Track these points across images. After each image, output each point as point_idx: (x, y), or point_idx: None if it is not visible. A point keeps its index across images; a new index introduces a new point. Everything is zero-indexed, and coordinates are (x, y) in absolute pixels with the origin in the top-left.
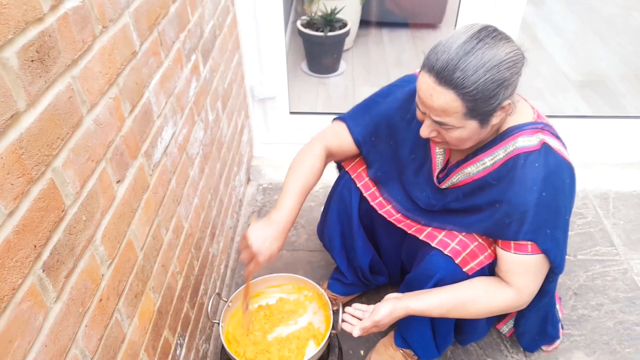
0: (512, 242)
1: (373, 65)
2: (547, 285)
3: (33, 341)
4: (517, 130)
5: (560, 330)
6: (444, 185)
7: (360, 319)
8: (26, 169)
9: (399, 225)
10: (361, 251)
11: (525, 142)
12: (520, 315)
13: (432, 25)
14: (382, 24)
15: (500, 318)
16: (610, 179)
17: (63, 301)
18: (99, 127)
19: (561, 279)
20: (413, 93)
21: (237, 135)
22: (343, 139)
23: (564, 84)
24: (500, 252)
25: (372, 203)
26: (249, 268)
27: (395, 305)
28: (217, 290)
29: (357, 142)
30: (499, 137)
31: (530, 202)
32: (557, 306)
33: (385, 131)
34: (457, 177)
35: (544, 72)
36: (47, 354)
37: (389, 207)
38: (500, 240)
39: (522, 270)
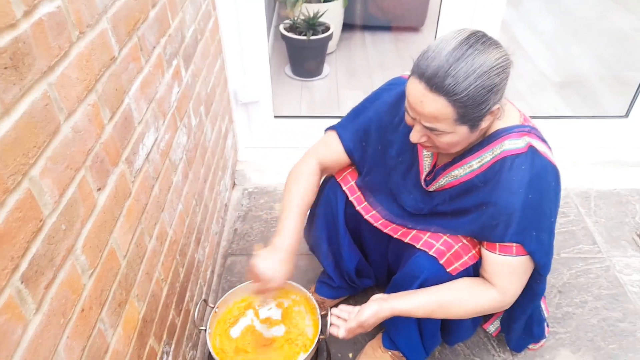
0: (497, 244)
1: (356, 69)
2: (535, 287)
3: (11, 355)
4: (504, 133)
5: (546, 328)
6: (431, 188)
7: (346, 320)
8: (1, 178)
9: (385, 230)
10: (347, 255)
11: (512, 144)
12: (508, 318)
13: (414, 28)
14: (364, 27)
15: (487, 318)
16: (591, 177)
17: (43, 313)
18: (77, 134)
19: None
20: (401, 96)
21: (222, 139)
22: (334, 149)
23: (543, 84)
24: (485, 253)
25: (357, 207)
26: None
27: (381, 305)
28: (203, 297)
29: (348, 149)
30: (486, 140)
31: (517, 205)
32: (543, 306)
33: (375, 135)
34: (445, 180)
35: (523, 73)
36: None
37: (374, 212)
38: (485, 242)
39: (506, 272)
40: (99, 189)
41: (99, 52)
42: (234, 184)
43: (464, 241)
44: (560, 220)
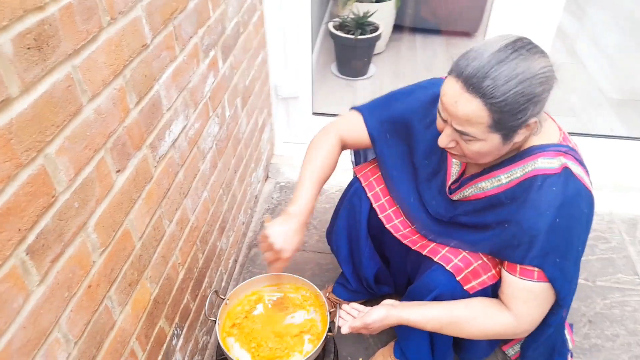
0: (518, 266)
1: (403, 71)
2: (549, 317)
3: (10, 322)
4: (538, 151)
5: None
6: (455, 197)
7: (355, 318)
8: (15, 153)
9: (404, 242)
10: (367, 262)
11: (546, 163)
12: (525, 345)
13: (467, 33)
14: (416, 30)
15: (507, 340)
16: None
17: (47, 285)
18: (99, 116)
19: (576, 304)
20: (436, 97)
21: (257, 132)
22: (358, 130)
23: (599, 101)
24: (505, 274)
25: (380, 215)
26: (276, 266)
27: (389, 312)
28: (222, 284)
29: (372, 136)
30: (519, 155)
31: (542, 227)
32: (568, 336)
33: (402, 130)
34: (470, 191)
35: (578, 87)
36: (25, 335)
37: (396, 221)
38: (506, 262)
39: (524, 297)
40: (118, 171)
41: (130, 39)
42: (267, 177)
43: (484, 259)
44: (600, 246)
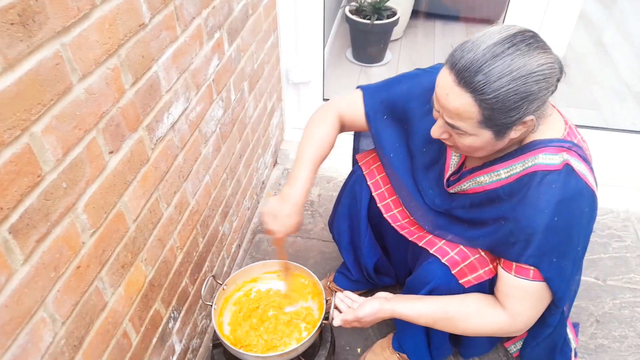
0: (513, 264)
1: (420, 58)
2: (547, 317)
3: None
4: (540, 146)
5: (573, 359)
6: (452, 190)
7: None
8: None
9: (402, 232)
10: (367, 251)
11: (547, 159)
12: (524, 343)
13: (489, 20)
14: (435, 16)
15: (509, 337)
16: None
17: (32, 264)
18: (91, 96)
19: (584, 303)
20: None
21: (266, 117)
22: (356, 110)
23: (624, 94)
24: (500, 271)
25: (379, 204)
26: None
27: (382, 305)
28: (224, 269)
29: (367, 115)
30: (520, 149)
31: (539, 226)
32: (571, 335)
33: (400, 114)
34: (468, 184)
35: (602, 79)
36: (7, 314)
37: (395, 211)
38: (502, 259)
39: (519, 295)
40: (111, 152)
41: (126, 18)
42: (275, 162)
43: (482, 253)
44: (614, 244)
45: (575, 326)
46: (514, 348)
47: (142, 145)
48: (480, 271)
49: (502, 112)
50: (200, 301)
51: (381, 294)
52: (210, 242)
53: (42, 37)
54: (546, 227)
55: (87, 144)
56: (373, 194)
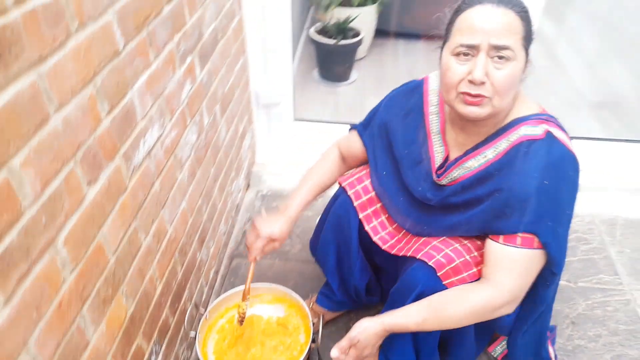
0: (500, 237)
1: (385, 76)
2: (542, 290)
3: None
4: (521, 121)
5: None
6: (443, 181)
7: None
8: None
9: (392, 252)
10: (359, 273)
11: (529, 130)
12: (513, 334)
13: None
14: (398, 35)
15: (492, 340)
16: (620, 204)
17: (12, 306)
18: (68, 126)
19: (559, 306)
20: (408, 90)
21: (238, 140)
22: (353, 143)
23: (578, 103)
24: (487, 243)
25: (367, 227)
26: (253, 248)
27: (371, 320)
28: (203, 297)
29: (365, 145)
30: (502, 128)
31: (531, 189)
32: (550, 348)
33: (384, 130)
34: (458, 172)
35: (559, 90)
36: None
37: (383, 233)
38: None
39: (505, 264)
40: (89, 183)
41: (100, 45)
42: (248, 185)
43: (467, 257)
44: (581, 247)
45: (552, 329)
46: (499, 350)
47: (120, 174)
48: (465, 274)
49: (530, 26)
50: (181, 333)
51: (364, 319)
52: (189, 270)
53: (18, 68)
54: (537, 190)
55: (66, 176)
56: (360, 215)
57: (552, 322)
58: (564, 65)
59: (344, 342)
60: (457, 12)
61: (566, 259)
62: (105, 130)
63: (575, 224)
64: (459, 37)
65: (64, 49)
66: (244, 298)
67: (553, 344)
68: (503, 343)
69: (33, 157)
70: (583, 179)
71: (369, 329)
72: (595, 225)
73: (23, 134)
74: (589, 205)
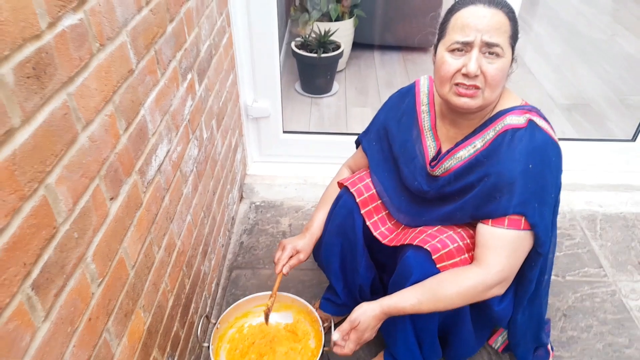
0: (490, 220)
1: (365, 87)
2: (527, 271)
3: None
4: (506, 112)
5: (551, 352)
6: (436, 171)
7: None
8: (19, 185)
9: (391, 245)
10: (364, 271)
11: (514, 120)
12: (513, 314)
13: (423, 49)
14: (374, 47)
15: (492, 333)
16: (597, 201)
17: (51, 320)
18: (93, 144)
19: (551, 300)
20: (402, 94)
21: (231, 153)
22: (358, 155)
23: (550, 107)
24: (478, 227)
25: (367, 222)
26: (279, 263)
27: (369, 304)
28: (207, 309)
29: (365, 151)
30: (489, 119)
31: (517, 172)
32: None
33: (383, 134)
34: (450, 162)
35: (530, 95)
36: None
37: (383, 228)
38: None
39: (493, 244)
40: (111, 198)
41: (118, 64)
42: (241, 197)
43: (460, 243)
44: (565, 243)
45: (547, 322)
46: (500, 340)
47: (137, 189)
48: (457, 259)
49: (516, 25)
50: (190, 344)
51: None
52: (195, 282)
53: (52, 88)
54: (523, 173)
55: (93, 192)
56: (361, 211)
57: (545, 316)
58: (533, 72)
59: (345, 325)
60: (452, 11)
61: (554, 254)
62: (124, 146)
63: (558, 220)
64: (454, 34)
65: (88, 69)
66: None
67: (548, 336)
68: (504, 334)
69: (65, 174)
70: (562, 178)
71: (368, 311)
72: (576, 222)
73: (57, 152)
74: (569, 202)
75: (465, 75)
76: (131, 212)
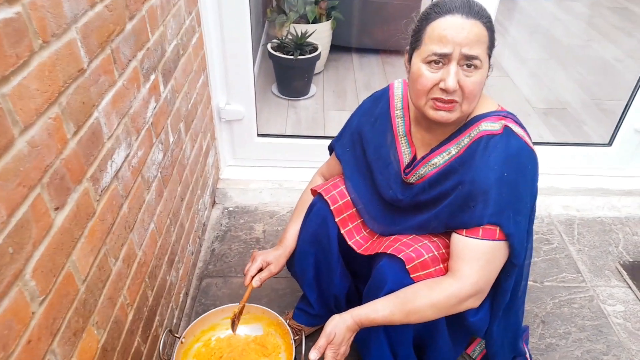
0: (464, 230)
1: (343, 89)
2: (503, 281)
3: None
4: (481, 118)
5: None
6: (411, 179)
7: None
8: None
9: (365, 254)
10: (339, 280)
11: (489, 126)
12: (490, 325)
13: (402, 52)
14: (352, 49)
15: (470, 342)
16: (574, 205)
17: None
18: (34, 149)
19: (529, 307)
20: (376, 98)
21: (202, 157)
22: (331, 162)
23: (527, 111)
24: (452, 237)
25: (342, 231)
26: (248, 275)
27: (341, 316)
28: (174, 321)
29: (338, 157)
30: (464, 125)
31: (492, 180)
32: (525, 349)
33: (357, 139)
34: (424, 170)
35: (508, 99)
36: None
37: (358, 237)
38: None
39: (467, 256)
40: (56, 209)
41: (65, 63)
42: (214, 203)
43: (435, 253)
44: (543, 248)
45: (525, 329)
46: (478, 350)
47: (88, 197)
48: (432, 269)
49: (493, 34)
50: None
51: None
52: (159, 294)
53: None
54: (498, 181)
55: (32, 202)
56: (335, 220)
57: (523, 322)
58: (510, 76)
59: (321, 341)
60: (427, 19)
61: (530, 261)
62: (72, 152)
63: (536, 225)
64: (431, 45)
65: (27, 67)
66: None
67: (527, 343)
68: (481, 343)
69: None
70: (539, 182)
71: (340, 323)
72: (554, 226)
73: None
74: (547, 207)
75: (444, 90)
76: (81, 222)
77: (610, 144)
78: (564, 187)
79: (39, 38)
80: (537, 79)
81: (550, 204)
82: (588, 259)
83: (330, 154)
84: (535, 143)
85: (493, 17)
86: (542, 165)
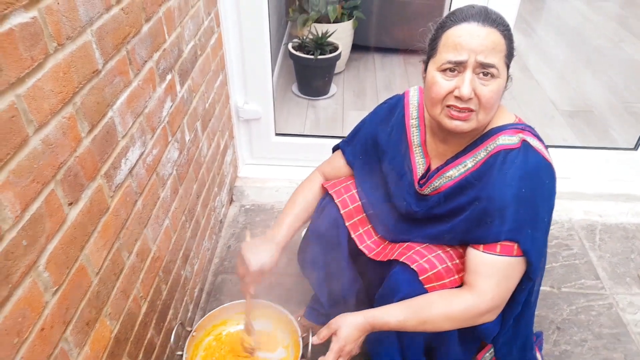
0: (481, 246)
1: (363, 89)
2: (517, 294)
3: None
4: (498, 131)
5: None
6: (425, 191)
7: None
8: None
9: (377, 259)
10: (349, 283)
11: (506, 140)
12: (497, 333)
13: (424, 52)
14: (374, 49)
15: (480, 348)
16: (597, 210)
17: None
18: (48, 147)
19: (544, 312)
20: (391, 105)
21: (219, 155)
22: (337, 163)
23: (552, 113)
24: (468, 251)
25: (353, 235)
26: (245, 281)
27: (352, 314)
28: (189, 315)
29: (349, 162)
30: (480, 138)
31: (509, 197)
32: (537, 355)
33: (372, 148)
34: (439, 182)
35: (532, 101)
36: None
37: (369, 241)
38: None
39: (486, 271)
40: (70, 204)
41: (80, 65)
42: (231, 200)
43: (449, 264)
44: (563, 253)
45: (539, 335)
46: (488, 356)
47: (102, 193)
48: (446, 280)
49: (512, 42)
50: (167, 352)
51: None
52: (173, 288)
53: None
54: (515, 198)
55: (46, 197)
56: (346, 224)
57: (538, 328)
58: (536, 77)
59: (323, 331)
60: (443, 27)
61: (548, 265)
62: (86, 150)
63: (555, 230)
64: (446, 53)
65: (42, 69)
66: (248, 332)
67: (540, 349)
68: (491, 350)
69: (12, 179)
70: (561, 186)
71: (350, 320)
72: (575, 232)
73: (2, 156)
74: (568, 211)
75: (458, 98)
76: (95, 217)
77: (636, 148)
78: (587, 192)
79: (54, 41)
80: (564, 81)
81: (572, 209)
82: (609, 265)
83: (334, 152)
84: (558, 146)
85: (512, 25)
86: (564, 169)
